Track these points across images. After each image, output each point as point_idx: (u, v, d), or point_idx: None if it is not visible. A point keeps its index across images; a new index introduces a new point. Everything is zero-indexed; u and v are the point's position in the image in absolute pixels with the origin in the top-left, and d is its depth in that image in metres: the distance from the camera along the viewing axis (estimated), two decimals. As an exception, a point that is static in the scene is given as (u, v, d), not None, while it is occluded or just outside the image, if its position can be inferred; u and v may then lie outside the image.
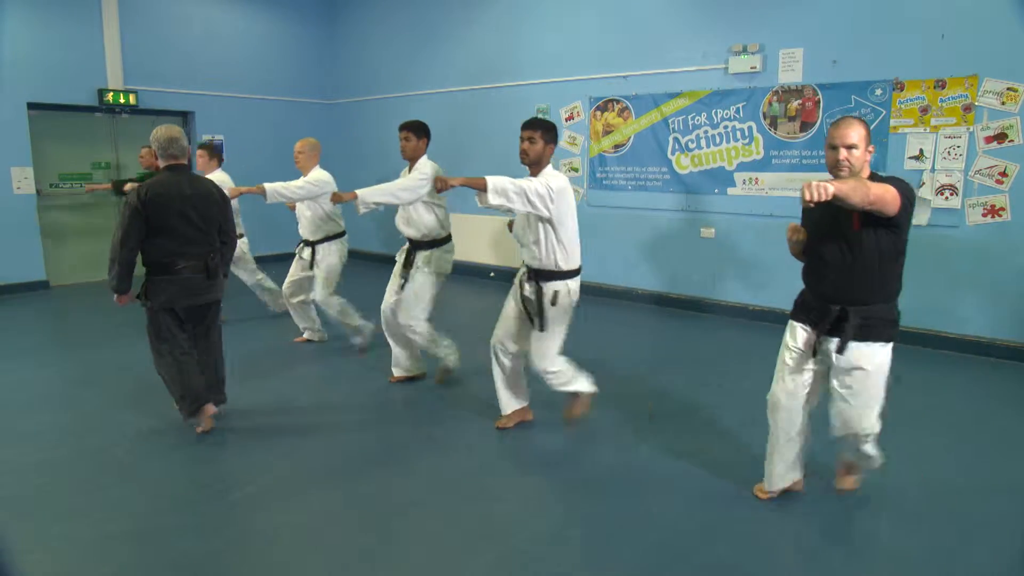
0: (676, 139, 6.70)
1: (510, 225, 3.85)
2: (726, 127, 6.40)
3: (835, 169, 2.69)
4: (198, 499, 3.10)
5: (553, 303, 3.49)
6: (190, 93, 8.78)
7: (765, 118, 6.16)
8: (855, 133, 2.65)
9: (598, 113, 7.21)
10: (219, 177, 5.71)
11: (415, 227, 4.35)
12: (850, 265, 2.67)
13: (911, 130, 5.43)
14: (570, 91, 7.39)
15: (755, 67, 6.12)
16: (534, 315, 3.56)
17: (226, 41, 9.12)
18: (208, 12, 8.92)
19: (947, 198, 5.33)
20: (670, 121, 6.71)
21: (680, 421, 4.04)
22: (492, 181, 3.25)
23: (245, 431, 3.84)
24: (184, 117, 8.99)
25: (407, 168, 4.39)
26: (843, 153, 2.65)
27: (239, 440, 3.75)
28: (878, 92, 5.55)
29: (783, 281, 5.70)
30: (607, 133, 7.17)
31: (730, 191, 6.43)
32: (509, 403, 3.89)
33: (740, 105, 6.28)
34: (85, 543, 2.73)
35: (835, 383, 2.78)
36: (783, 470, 2.96)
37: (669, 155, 6.77)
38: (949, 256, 5.33)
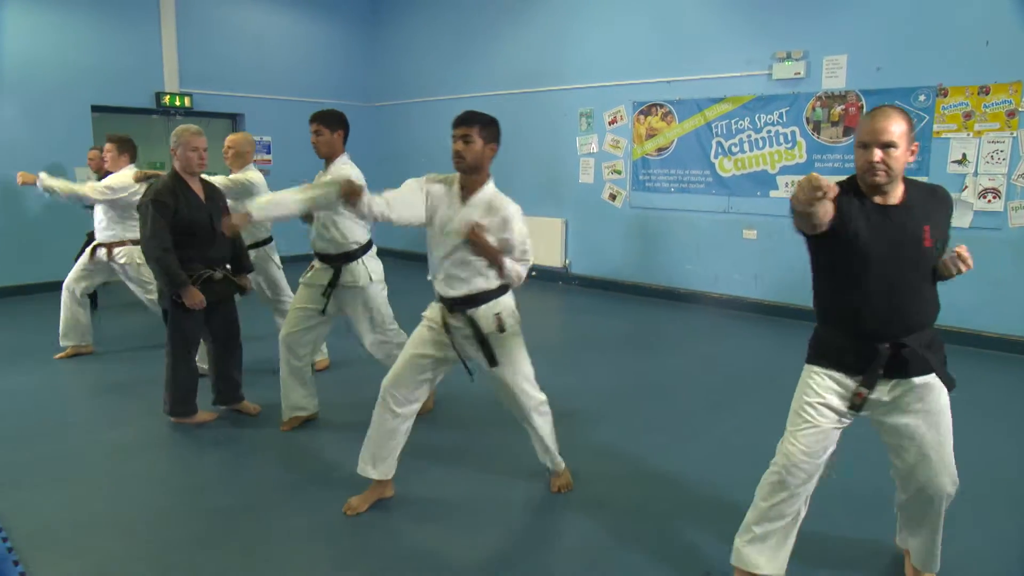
0: (719, 143, 6.89)
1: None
2: (769, 131, 6.58)
3: (868, 174, 2.11)
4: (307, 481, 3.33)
5: (502, 330, 2.86)
6: (240, 96, 9.09)
7: (808, 123, 6.34)
8: (895, 127, 2.07)
9: (641, 117, 7.42)
10: (123, 177, 5.00)
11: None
12: (911, 288, 2.17)
13: (954, 135, 5.59)
14: (614, 95, 7.60)
15: (799, 73, 6.30)
16: (470, 355, 2.93)
17: (274, 46, 9.42)
18: (258, 18, 9.23)
19: (989, 201, 5.49)
20: (713, 125, 6.91)
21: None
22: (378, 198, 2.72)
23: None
24: (234, 119, 9.30)
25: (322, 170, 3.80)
26: (877, 154, 2.07)
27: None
28: (921, 98, 5.71)
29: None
30: (650, 137, 7.38)
31: (772, 193, 6.61)
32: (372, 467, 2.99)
33: (783, 110, 6.46)
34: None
35: (906, 435, 2.24)
36: (785, 554, 2.35)
37: (712, 158, 6.96)
38: (992, 257, 5.47)
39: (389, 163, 9.79)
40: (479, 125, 2.75)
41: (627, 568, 2.56)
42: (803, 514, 2.32)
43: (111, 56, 7.92)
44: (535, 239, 8.33)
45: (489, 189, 2.83)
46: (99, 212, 5.12)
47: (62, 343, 5.20)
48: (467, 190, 2.82)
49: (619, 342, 5.97)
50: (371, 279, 3.77)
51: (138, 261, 5.05)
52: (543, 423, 3.02)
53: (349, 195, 2.64)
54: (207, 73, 8.73)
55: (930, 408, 2.20)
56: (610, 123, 7.67)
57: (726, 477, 3.26)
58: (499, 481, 3.27)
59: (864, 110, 6.01)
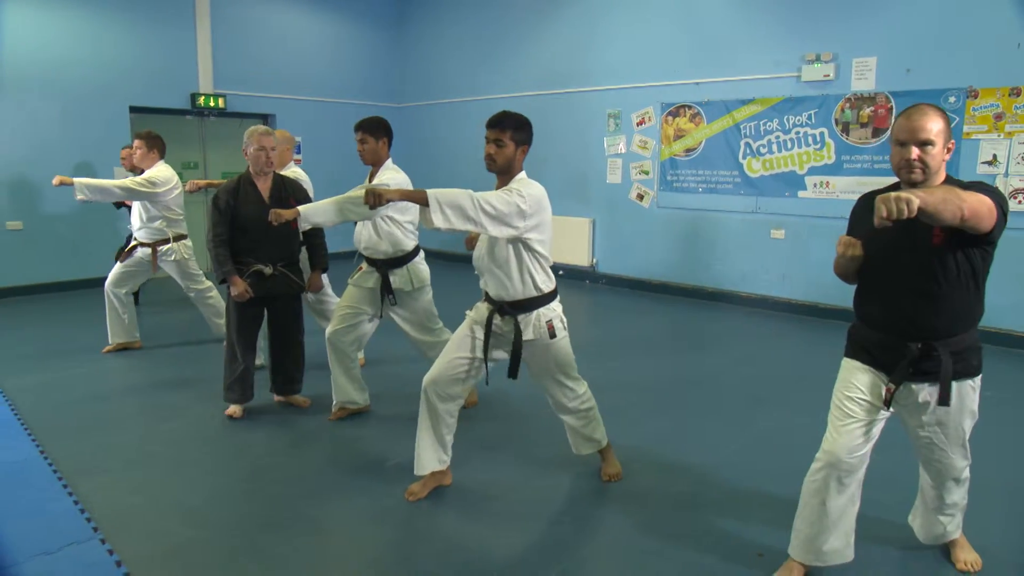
0: (747, 144, 6.97)
1: (469, 242, 3.18)
2: (798, 133, 6.64)
3: (904, 171, 2.16)
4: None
5: (552, 336, 2.91)
6: (272, 97, 9.26)
7: (837, 124, 6.40)
8: (933, 125, 2.11)
9: (669, 118, 7.50)
10: (163, 171, 5.08)
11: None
12: (930, 290, 2.17)
13: (984, 136, 5.64)
14: (642, 97, 7.69)
15: (828, 75, 6.36)
16: (497, 357, 3.00)
17: (305, 47, 9.58)
18: (289, 20, 9.39)
19: (1020, 202, 5.53)
20: (742, 126, 6.98)
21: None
22: (436, 196, 2.58)
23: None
24: (265, 119, 9.47)
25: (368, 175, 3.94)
26: (915, 152, 2.12)
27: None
28: (952, 100, 5.76)
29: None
30: (678, 138, 7.46)
31: (800, 194, 6.68)
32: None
33: (812, 112, 6.52)
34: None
35: (922, 430, 2.34)
36: (840, 544, 2.38)
37: (740, 159, 7.03)
38: (1022, 257, 5.52)
39: (416, 163, 9.89)
40: (512, 129, 2.80)
41: (679, 554, 2.66)
42: (858, 501, 2.36)
43: (148, 58, 8.11)
44: (562, 238, 8.44)
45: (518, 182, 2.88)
46: (137, 211, 5.20)
47: (111, 340, 5.37)
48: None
49: (653, 339, 6.06)
50: (412, 285, 3.86)
51: (185, 256, 5.22)
52: (578, 417, 3.13)
53: (372, 202, 2.60)
54: (240, 74, 8.91)
55: (947, 413, 2.28)
56: (638, 124, 7.76)
57: (772, 468, 3.35)
58: (550, 471, 3.38)
59: (894, 112, 6.06)
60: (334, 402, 4.03)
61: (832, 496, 2.29)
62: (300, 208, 3.55)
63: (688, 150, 7.41)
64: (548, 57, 8.57)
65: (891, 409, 2.31)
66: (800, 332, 6.20)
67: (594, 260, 8.31)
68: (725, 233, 7.24)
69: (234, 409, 4.05)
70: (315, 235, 4.19)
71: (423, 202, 2.58)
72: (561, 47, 8.43)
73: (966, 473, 2.44)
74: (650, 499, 3.10)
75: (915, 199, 1.78)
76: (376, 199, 2.58)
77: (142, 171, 5.12)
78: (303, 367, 4.22)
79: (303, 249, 4.20)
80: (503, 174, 2.86)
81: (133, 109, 8.10)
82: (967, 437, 2.36)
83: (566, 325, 3.01)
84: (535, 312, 2.89)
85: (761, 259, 7.01)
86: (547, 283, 2.92)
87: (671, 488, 3.21)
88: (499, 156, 2.79)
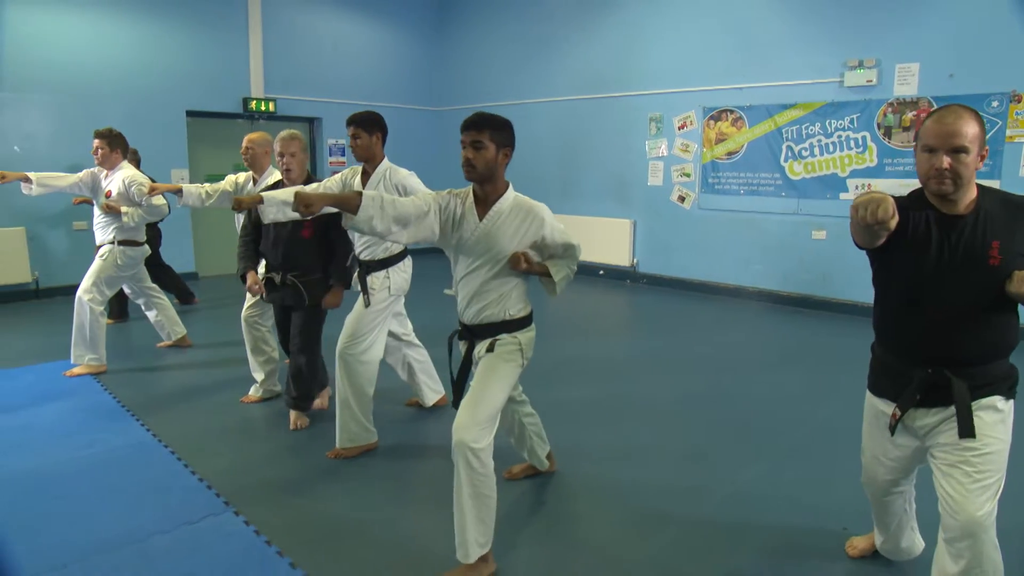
0: (789, 147, 7.16)
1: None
2: (840, 136, 6.83)
3: (933, 182, 1.93)
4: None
5: (491, 349, 2.65)
6: (317, 100, 9.54)
7: (879, 128, 6.59)
8: (968, 129, 1.88)
9: (711, 122, 7.71)
10: (127, 174, 4.95)
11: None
12: (971, 313, 1.97)
13: (1027, 140, 5.83)
14: (684, 101, 7.90)
15: (871, 81, 6.56)
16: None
17: (349, 52, 9.87)
18: (335, 26, 9.68)
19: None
20: (783, 130, 7.18)
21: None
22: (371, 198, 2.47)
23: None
24: (311, 123, 9.76)
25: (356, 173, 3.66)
26: (946, 160, 1.89)
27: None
28: (995, 104, 5.94)
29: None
30: (720, 141, 7.66)
31: (842, 196, 6.87)
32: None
33: (854, 116, 6.71)
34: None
35: (937, 458, 2.08)
36: (908, 540, 2.52)
37: (782, 162, 7.23)
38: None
39: (453, 166, 10.15)
40: (490, 129, 2.47)
41: (777, 522, 2.88)
42: (911, 508, 2.49)
43: (204, 64, 8.41)
44: (603, 239, 8.62)
45: (509, 197, 2.60)
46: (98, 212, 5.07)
47: (175, 334, 5.66)
48: (483, 203, 2.59)
49: (710, 332, 6.28)
50: (375, 289, 3.59)
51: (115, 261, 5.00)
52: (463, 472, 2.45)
53: (303, 210, 2.40)
54: (288, 79, 9.20)
55: (965, 442, 2.00)
56: (680, 128, 7.97)
57: (837, 452, 3.56)
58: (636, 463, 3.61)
59: (936, 116, 6.23)
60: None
61: (877, 508, 2.51)
62: (264, 194, 3.40)
63: (730, 153, 7.61)
64: (589, 62, 8.80)
65: (902, 439, 2.22)
66: (847, 328, 6.39)
67: (635, 260, 8.53)
68: (765, 234, 7.44)
69: (294, 417, 3.99)
70: (336, 248, 3.79)
71: (355, 207, 2.41)
72: (603, 52, 8.65)
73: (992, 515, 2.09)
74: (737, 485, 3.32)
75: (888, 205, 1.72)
76: (306, 207, 2.37)
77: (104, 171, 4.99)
78: (309, 382, 3.93)
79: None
80: (486, 182, 2.54)
81: (189, 113, 8.41)
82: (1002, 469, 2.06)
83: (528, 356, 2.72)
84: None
85: (802, 259, 7.20)
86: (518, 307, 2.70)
87: (750, 468, 3.44)
88: (478, 160, 2.47)
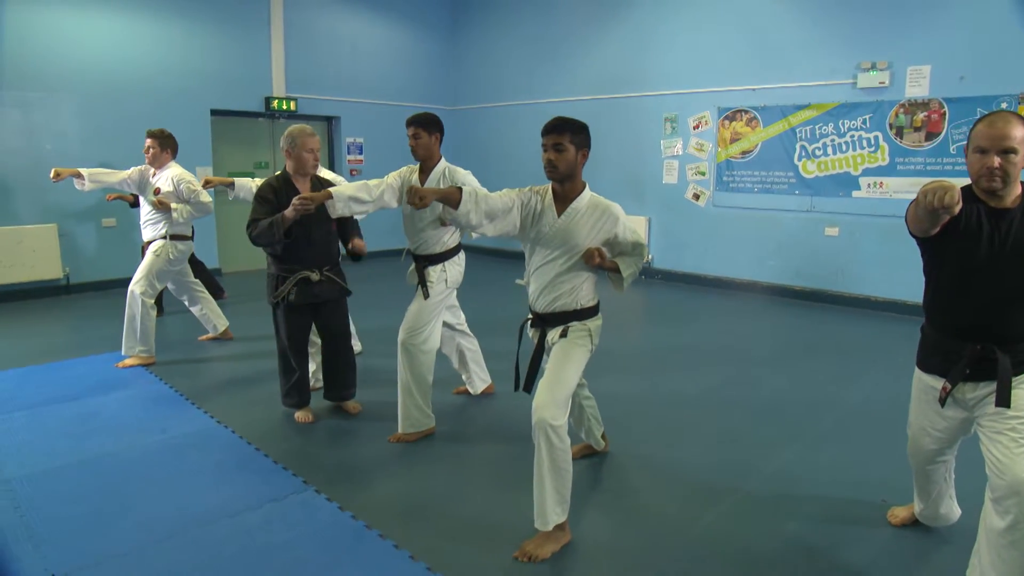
0: (803, 147, 7.40)
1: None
2: (852, 136, 7.07)
3: (984, 179, 2.19)
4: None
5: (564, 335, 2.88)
6: (336, 99, 9.72)
7: (891, 128, 6.82)
8: (1017, 132, 2.12)
9: (726, 122, 7.93)
10: (176, 172, 5.14)
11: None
12: (1017, 296, 2.23)
13: (1035, 140, 6.06)
14: (699, 101, 8.12)
15: (883, 82, 6.79)
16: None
17: (367, 53, 10.05)
18: (353, 27, 9.86)
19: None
20: (797, 130, 7.41)
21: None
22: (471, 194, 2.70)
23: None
24: (329, 121, 9.93)
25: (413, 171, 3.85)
26: (996, 160, 2.14)
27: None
28: (1003, 105, 6.18)
29: (909, 274, 6.37)
30: (734, 140, 7.89)
31: (855, 194, 7.11)
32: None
33: (867, 117, 6.94)
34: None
35: (985, 427, 2.32)
36: (946, 508, 2.78)
37: (795, 161, 7.46)
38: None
39: (468, 165, 10.30)
40: (570, 132, 2.67)
41: (820, 495, 3.10)
42: (951, 478, 2.71)
43: (227, 64, 8.57)
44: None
45: (586, 195, 2.80)
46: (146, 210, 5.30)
47: (220, 327, 5.85)
48: (562, 200, 2.79)
49: (730, 324, 6.50)
50: (432, 282, 3.75)
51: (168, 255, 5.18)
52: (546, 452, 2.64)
53: (417, 203, 2.60)
54: (309, 78, 9.37)
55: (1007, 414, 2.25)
56: (695, 127, 8.19)
57: (872, 434, 3.79)
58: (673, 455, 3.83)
59: (947, 117, 6.48)
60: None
61: (919, 478, 2.77)
62: (333, 191, 3.49)
63: (744, 152, 7.84)
64: (605, 62, 9.00)
65: (950, 412, 2.44)
66: (864, 321, 6.62)
67: (650, 256, 8.75)
68: (779, 231, 7.66)
69: (300, 415, 4.04)
70: (347, 219, 4.02)
71: (457, 202, 2.64)
72: (618, 52, 8.85)
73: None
74: (787, 472, 3.54)
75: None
76: (420, 200, 2.59)
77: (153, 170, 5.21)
78: (355, 371, 4.17)
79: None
80: (567, 180, 2.74)
81: (213, 112, 8.57)
82: None
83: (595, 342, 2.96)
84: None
85: (815, 256, 7.43)
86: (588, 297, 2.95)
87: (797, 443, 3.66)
88: (560, 161, 2.67)
